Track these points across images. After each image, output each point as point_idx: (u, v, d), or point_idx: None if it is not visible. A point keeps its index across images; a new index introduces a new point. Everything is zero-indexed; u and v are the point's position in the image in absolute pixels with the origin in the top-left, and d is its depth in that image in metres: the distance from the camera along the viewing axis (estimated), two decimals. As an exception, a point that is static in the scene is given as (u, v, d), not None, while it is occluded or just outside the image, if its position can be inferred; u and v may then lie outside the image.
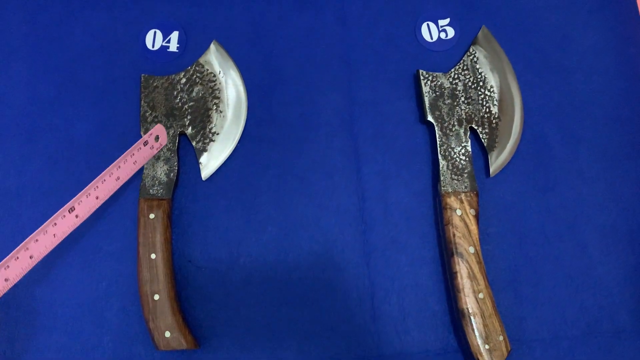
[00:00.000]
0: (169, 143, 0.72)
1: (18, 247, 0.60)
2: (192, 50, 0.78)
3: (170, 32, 0.78)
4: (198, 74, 0.75)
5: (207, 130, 0.73)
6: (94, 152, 0.74)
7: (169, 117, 0.73)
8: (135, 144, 0.68)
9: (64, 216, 0.63)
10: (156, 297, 0.65)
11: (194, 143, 0.73)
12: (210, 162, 0.73)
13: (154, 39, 0.78)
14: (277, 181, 0.74)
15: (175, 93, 0.74)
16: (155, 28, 0.79)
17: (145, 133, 0.72)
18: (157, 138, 0.69)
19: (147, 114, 0.73)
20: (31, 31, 0.78)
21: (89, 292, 0.69)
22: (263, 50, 0.78)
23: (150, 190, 0.69)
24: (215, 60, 0.75)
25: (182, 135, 0.73)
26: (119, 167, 0.67)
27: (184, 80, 0.74)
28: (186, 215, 0.72)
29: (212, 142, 0.73)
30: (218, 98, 0.74)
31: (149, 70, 0.77)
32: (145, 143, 0.68)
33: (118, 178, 0.67)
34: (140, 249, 0.67)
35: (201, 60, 0.75)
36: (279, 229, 0.72)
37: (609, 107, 0.78)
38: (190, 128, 0.73)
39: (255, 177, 0.74)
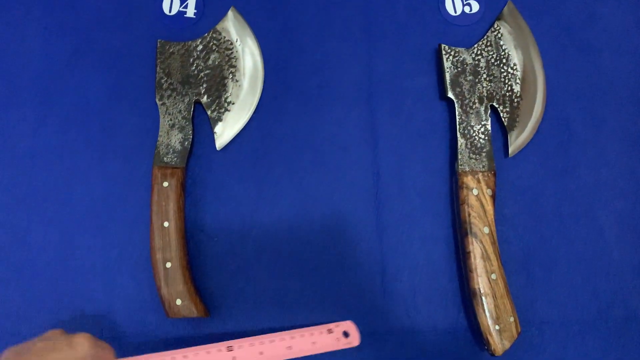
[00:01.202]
0: (184, 110, 0.71)
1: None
2: (209, 16, 0.76)
3: (188, -3, 0.77)
4: (215, 41, 0.73)
5: (223, 99, 0.72)
6: (109, 116, 0.73)
7: (184, 84, 0.72)
8: (321, 326, 0.65)
9: (220, 350, 0.61)
10: (168, 264, 0.65)
11: (209, 112, 0.72)
12: (225, 131, 0.72)
13: (171, 4, 0.76)
14: (292, 153, 0.73)
15: (191, 60, 0.72)
16: (172, -8, 0.77)
17: (160, 100, 0.71)
18: (345, 334, 0.65)
19: (163, 80, 0.72)
20: (47, -9, 0.76)
21: (101, 259, 0.69)
22: (281, 18, 0.77)
23: (164, 159, 0.68)
24: (233, 27, 0.74)
25: (198, 103, 0.72)
26: (293, 337, 0.64)
27: (200, 47, 0.73)
28: (200, 185, 0.72)
29: (227, 112, 0.72)
30: (234, 67, 0.73)
31: (165, 36, 0.75)
32: (330, 331, 0.65)
33: (290, 347, 0.63)
34: (153, 216, 0.66)
35: (218, 27, 0.74)
36: (292, 201, 0.71)
37: (636, 89, 0.76)
38: (205, 96, 0.72)
39: (270, 148, 0.73)
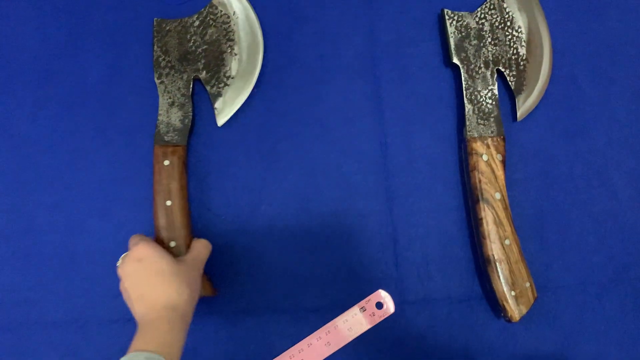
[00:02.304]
0: (183, 88, 0.69)
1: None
2: (206, -9, 0.75)
3: (184, -27, 0.75)
4: (212, 16, 0.72)
5: (222, 74, 0.71)
6: (107, 97, 0.71)
7: (182, 61, 0.70)
8: (352, 309, 0.63)
9: None
10: (172, 244, 0.64)
11: (208, 88, 0.70)
12: (225, 107, 0.70)
13: (166, -20, 0.75)
14: (297, 127, 0.72)
15: (188, 37, 0.71)
16: (167, -32, 0.75)
17: (158, 79, 0.70)
18: (379, 305, 0.63)
19: (160, 58, 0.70)
20: (39, -27, 0.75)
21: (108, 241, 0.68)
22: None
23: (165, 137, 0.67)
24: (230, 0, 0.72)
25: (197, 80, 0.71)
26: (329, 332, 0.61)
27: (197, 23, 0.71)
28: (204, 163, 0.70)
29: (227, 87, 0.70)
30: (232, 40, 0.71)
31: (162, 13, 0.73)
32: (363, 309, 0.63)
33: (329, 344, 0.61)
34: (156, 196, 0.65)
35: (214, 1, 0.72)
36: (299, 175, 0.70)
37: (644, 47, 0.75)
38: (204, 72, 0.70)
39: (274, 123, 0.72)
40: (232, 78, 0.71)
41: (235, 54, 0.71)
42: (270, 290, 0.68)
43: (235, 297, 0.68)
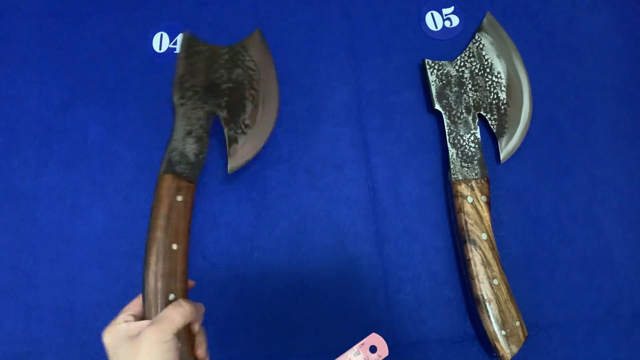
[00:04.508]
0: (203, 119, 0.65)
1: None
2: (198, 50, 0.79)
3: (177, 34, 0.79)
4: (240, 57, 0.70)
5: (241, 120, 0.68)
6: (107, 153, 0.75)
7: (207, 90, 0.66)
8: (347, 352, 0.64)
9: None
10: (171, 296, 0.55)
11: (226, 129, 0.67)
12: (238, 154, 0.68)
13: (160, 42, 0.79)
14: (288, 175, 0.74)
15: (215, 67, 0.68)
16: (161, 31, 0.80)
17: (179, 99, 0.65)
18: (373, 349, 0.63)
19: (186, 77, 0.66)
20: (42, 39, 0.79)
21: (107, 292, 0.70)
22: (269, 46, 0.79)
23: (177, 168, 0.60)
24: (257, 48, 0.71)
25: (216, 117, 0.68)
26: None
27: (226, 56, 0.69)
28: (198, 211, 0.73)
29: (243, 135, 0.68)
30: (255, 90, 0.70)
31: (157, 73, 0.78)
32: (357, 353, 0.63)
33: None
34: (159, 234, 0.55)
35: (245, 42, 0.71)
36: (290, 222, 0.72)
37: (620, 87, 0.77)
38: (225, 111, 0.67)
39: (265, 172, 0.74)
40: (249, 128, 0.68)
41: (256, 105, 0.69)
42: (264, 337, 0.69)
43: (229, 345, 0.69)
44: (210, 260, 0.71)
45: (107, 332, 0.50)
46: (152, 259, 0.55)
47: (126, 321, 0.52)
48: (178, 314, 0.50)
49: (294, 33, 0.79)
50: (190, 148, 0.63)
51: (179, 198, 0.59)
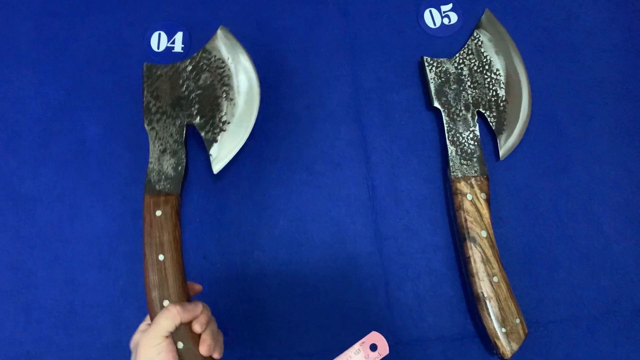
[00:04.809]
0: (176, 134, 0.67)
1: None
2: (197, 49, 0.78)
3: (175, 33, 0.79)
4: (205, 61, 0.70)
5: (217, 119, 0.68)
6: (106, 153, 0.75)
7: (174, 107, 0.68)
8: (347, 351, 0.62)
9: None
10: (166, 302, 0.59)
11: (202, 133, 0.68)
12: (221, 153, 0.68)
13: (158, 41, 0.79)
14: (286, 174, 0.74)
15: (181, 82, 0.69)
16: (159, 30, 0.79)
17: (149, 125, 0.68)
18: (373, 347, 0.61)
19: (151, 104, 0.68)
20: (39, 38, 0.79)
21: (107, 292, 0.70)
22: (267, 45, 0.79)
23: (157, 186, 0.64)
24: (223, 45, 0.70)
25: (190, 126, 0.69)
26: None
27: (190, 67, 0.70)
28: (197, 211, 0.73)
29: (222, 132, 0.68)
30: (228, 85, 0.69)
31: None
32: (357, 352, 0.61)
33: None
34: (147, 249, 0.61)
35: (208, 46, 0.71)
36: (290, 221, 0.72)
37: (619, 83, 0.77)
38: (198, 118, 0.68)
39: (264, 171, 0.74)
40: (229, 123, 0.69)
41: (231, 99, 0.69)
42: (264, 336, 0.69)
43: (229, 344, 0.69)
44: (210, 259, 0.71)
45: (131, 339, 0.58)
46: (145, 272, 0.61)
47: (143, 330, 0.58)
48: (165, 318, 0.55)
49: (292, 31, 0.79)
50: (168, 164, 0.66)
51: (158, 213, 0.63)
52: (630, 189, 0.74)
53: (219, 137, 0.69)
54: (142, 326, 0.59)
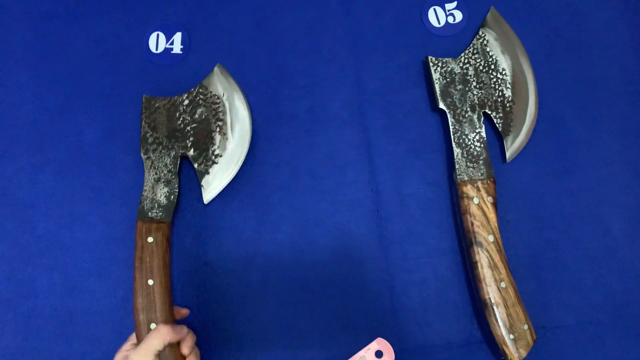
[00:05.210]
0: (170, 165, 0.70)
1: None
2: (195, 50, 0.77)
3: (173, 34, 0.78)
4: (201, 96, 0.73)
5: (210, 152, 0.71)
6: (105, 157, 0.73)
7: (170, 138, 0.71)
8: (352, 358, 0.65)
9: None
10: (152, 326, 0.62)
11: (195, 165, 0.71)
12: (212, 185, 0.71)
13: (157, 42, 0.77)
14: (289, 178, 0.73)
15: (177, 114, 0.72)
16: (158, 31, 0.78)
17: (145, 154, 0.70)
18: (379, 354, 0.65)
19: (148, 134, 0.71)
20: (35, 41, 0.77)
21: (107, 300, 0.69)
22: (267, 46, 0.77)
23: (149, 213, 0.67)
24: (219, 83, 0.73)
25: (184, 157, 0.72)
26: None
27: (186, 102, 0.72)
28: (199, 217, 0.72)
29: (214, 165, 0.71)
30: (222, 120, 0.72)
31: (154, 73, 0.76)
32: (362, 358, 0.65)
33: None
34: (137, 274, 0.64)
35: (204, 82, 0.73)
36: (293, 226, 0.71)
37: (628, 83, 0.76)
38: (192, 150, 0.71)
39: (267, 175, 0.73)
40: (220, 156, 0.71)
41: (224, 133, 0.72)
42: (268, 343, 0.68)
43: (233, 351, 0.68)
44: (212, 265, 0.70)
45: (115, 358, 0.60)
46: (135, 295, 0.64)
47: (127, 350, 0.60)
48: (155, 337, 0.58)
49: (294, 32, 0.78)
50: (161, 193, 0.69)
51: (150, 239, 0.65)
52: (639, 190, 0.73)
53: (210, 170, 0.71)
54: (126, 346, 0.61)
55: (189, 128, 0.72)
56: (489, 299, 0.66)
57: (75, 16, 0.78)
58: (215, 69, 0.74)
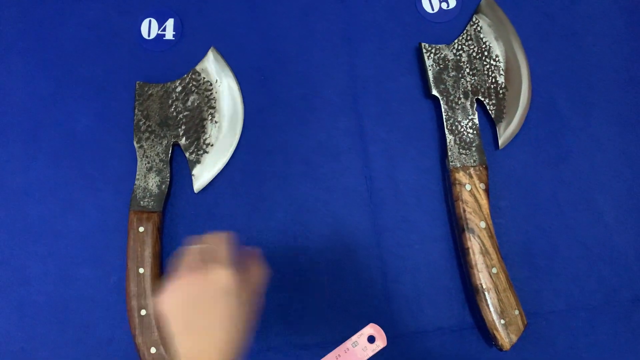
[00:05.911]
0: (162, 153, 0.70)
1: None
2: (188, 37, 0.77)
3: (165, 20, 0.77)
4: (194, 82, 0.72)
5: (201, 141, 0.71)
6: (98, 145, 0.73)
7: (162, 126, 0.71)
8: (343, 344, 0.65)
9: None
10: (143, 312, 0.64)
11: (187, 154, 0.71)
12: (202, 174, 0.71)
13: (149, 28, 0.77)
14: (282, 166, 0.73)
15: (170, 102, 0.72)
16: (150, 17, 0.77)
17: (138, 143, 0.70)
18: (371, 339, 0.66)
19: (141, 122, 0.71)
20: (26, 27, 0.77)
21: (101, 288, 0.69)
22: (261, 32, 0.77)
23: (141, 202, 0.68)
24: (213, 67, 0.73)
25: (176, 146, 0.72)
26: None
27: (179, 88, 0.72)
28: (192, 205, 0.72)
29: (205, 154, 0.71)
30: (213, 108, 0.72)
31: (146, 60, 0.76)
32: (355, 344, 0.65)
33: None
34: (129, 262, 0.66)
35: (198, 67, 0.73)
36: (286, 214, 0.71)
37: (621, 70, 0.76)
38: (184, 139, 0.71)
39: (260, 163, 0.73)
40: (212, 146, 0.71)
41: (216, 122, 0.72)
42: (261, 329, 0.68)
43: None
44: (206, 252, 0.70)
45: None
46: (127, 283, 0.65)
47: None
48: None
49: (287, 19, 0.77)
50: (153, 182, 0.69)
51: (141, 229, 0.66)
52: (631, 177, 0.73)
53: (202, 159, 0.71)
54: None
55: (181, 116, 0.71)
56: (481, 284, 0.66)
57: (67, 2, 0.78)
58: (209, 53, 0.73)
